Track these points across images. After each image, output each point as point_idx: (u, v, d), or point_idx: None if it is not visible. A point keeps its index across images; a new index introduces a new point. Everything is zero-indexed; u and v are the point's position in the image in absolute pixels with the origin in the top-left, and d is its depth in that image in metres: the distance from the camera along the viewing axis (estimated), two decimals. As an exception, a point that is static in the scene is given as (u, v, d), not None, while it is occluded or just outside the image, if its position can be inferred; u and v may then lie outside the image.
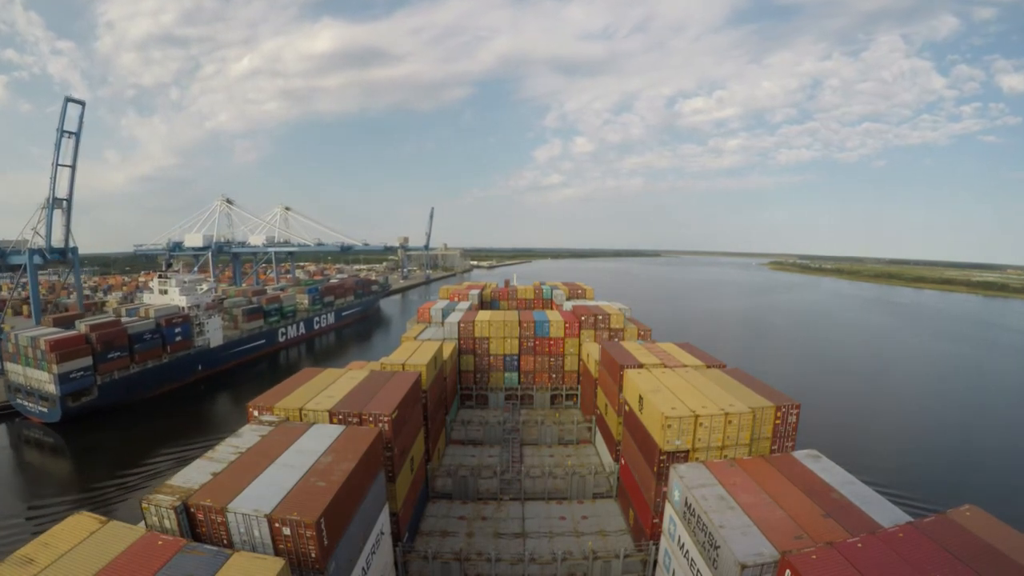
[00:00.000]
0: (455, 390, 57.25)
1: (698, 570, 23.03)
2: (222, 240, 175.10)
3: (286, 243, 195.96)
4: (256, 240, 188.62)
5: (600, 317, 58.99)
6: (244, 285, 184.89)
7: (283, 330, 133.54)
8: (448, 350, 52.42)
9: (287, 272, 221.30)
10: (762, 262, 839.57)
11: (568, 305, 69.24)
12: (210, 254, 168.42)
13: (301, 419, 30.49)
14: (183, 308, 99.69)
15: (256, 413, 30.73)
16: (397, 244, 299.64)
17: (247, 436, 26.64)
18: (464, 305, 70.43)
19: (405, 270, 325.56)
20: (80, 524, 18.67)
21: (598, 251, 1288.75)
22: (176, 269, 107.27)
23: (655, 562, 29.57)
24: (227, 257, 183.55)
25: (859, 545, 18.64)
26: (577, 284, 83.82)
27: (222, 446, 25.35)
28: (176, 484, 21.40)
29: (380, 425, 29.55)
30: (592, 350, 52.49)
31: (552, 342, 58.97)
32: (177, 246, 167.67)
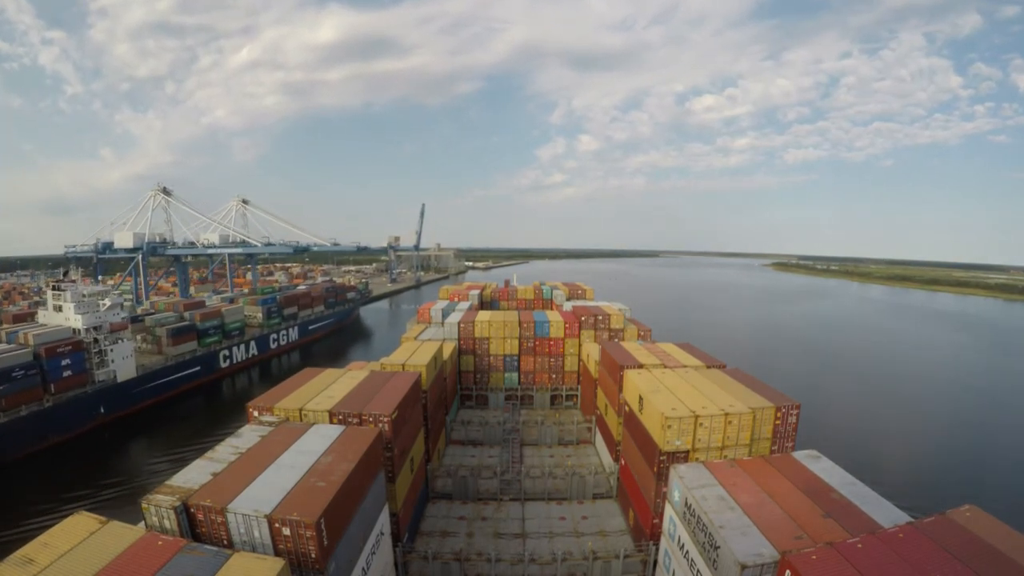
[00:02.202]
0: (455, 390, 57.25)
1: (698, 570, 23.02)
2: (156, 239, 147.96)
3: (238, 243, 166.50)
4: (210, 238, 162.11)
5: (600, 317, 58.99)
6: (213, 294, 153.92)
7: (226, 353, 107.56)
8: (448, 350, 52.42)
9: (266, 275, 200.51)
10: (764, 263, 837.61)
11: (568, 305, 69.27)
12: (140, 256, 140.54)
13: (301, 419, 30.50)
14: (78, 331, 76.43)
15: (256, 413, 30.76)
16: (385, 244, 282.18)
17: (247, 436, 26.66)
18: (464, 305, 70.46)
19: (394, 273, 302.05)
20: (80, 524, 18.68)
21: (596, 251, 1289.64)
22: (74, 279, 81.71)
23: (655, 562, 29.57)
24: (168, 259, 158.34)
25: (859, 545, 18.64)
26: (577, 284, 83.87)
27: (222, 446, 25.37)
28: (176, 484, 21.43)
29: (380, 425, 29.55)
30: (592, 350, 52.49)
31: (552, 342, 58.96)
32: (107, 247, 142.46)
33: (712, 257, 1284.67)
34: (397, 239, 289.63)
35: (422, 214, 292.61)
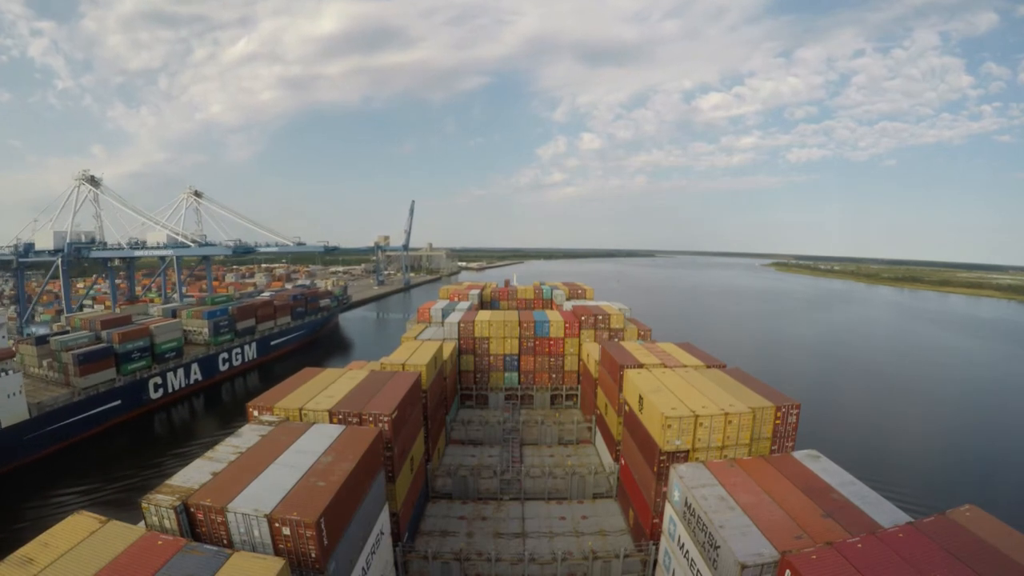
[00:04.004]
0: (455, 390, 57.25)
1: (698, 570, 23.02)
2: (81, 239, 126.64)
3: (171, 244, 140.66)
4: (157, 238, 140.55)
5: (600, 317, 58.98)
6: (164, 302, 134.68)
7: (158, 380, 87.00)
8: (448, 350, 52.42)
9: (248, 276, 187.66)
10: (764, 263, 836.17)
11: (568, 305, 69.27)
12: (60, 260, 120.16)
13: (301, 419, 30.49)
14: None
15: (256, 413, 30.77)
16: (372, 243, 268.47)
17: (247, 436, 26.65)
18: (464, 305, 70.47)
19: (381, 275, 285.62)
20: (80, 524, 18.68)
21: (592, 251, 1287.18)
22: None
23: (655, 562, 29.58)
24: (97, 263, 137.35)
25: (859, 545, 18.65)
26: (577, 284, 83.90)
27: (222, 446, 25.37)
28: (176, 484, 21.43)
29: (380, 425, 29.55)
30: (592, 350, 52.49)
31: (552, 342, 58.95)
32: (29, 248, 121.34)
33: (710, 257, 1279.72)
34: (386, 239, 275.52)
35: (411, 211, 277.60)
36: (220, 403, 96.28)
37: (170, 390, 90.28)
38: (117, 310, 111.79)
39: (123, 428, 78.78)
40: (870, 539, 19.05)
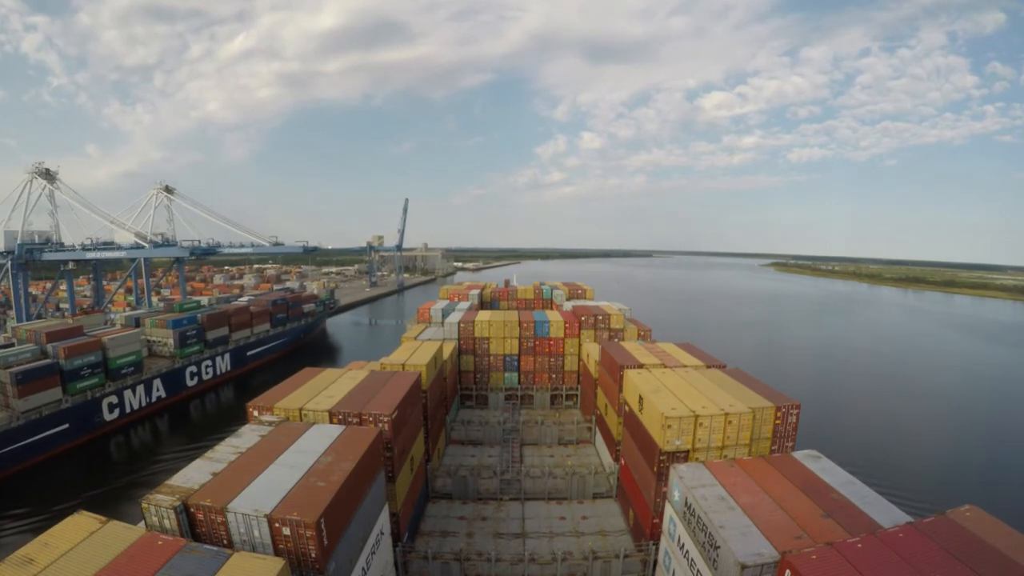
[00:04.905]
0: (455, 390, 57.26)
1: (698, 570, 23.02)
2: (34, 240, 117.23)
3: (126, 246, 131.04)
4: (125, 237, 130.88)
5: (600, 317, 59.00)
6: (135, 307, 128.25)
7: (113, 400, 76.25)
8: (448, 350, 52.43)
9: (238, 277, 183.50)
10: (764, 263, 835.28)
11: (568, 305, 69.32)
12: (9, 264, 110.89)
13: (301, 419, 30.50)
14: None
15: (256, 413, 30.79)
16: (365, 244, 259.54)
17: (247, 436, 26.66)
18: (464, 305, 70.52)
19: (374, 276, 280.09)
20: (80, 524, 18.69)
21: (589, 251, 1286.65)
22: None
23: (655, 562, 29.56)
24: (53, 266, 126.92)
25: (859, 545, 18.64)
26: (577, 284, 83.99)
27: (222, 446, 25.38)
28: (176, 484, 21.44)
29: (380, 425, 29.55)
30: (592, 350, 52.50)
31: (552, 342, 58.97)
32: None
33: (708, 257, 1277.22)
34: (380, 239, 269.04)
35: (405, 210, 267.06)
36: (188, 422, 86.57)
37: (128, 410, 79.31)
38: (69, 319, 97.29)
39: (72, 455, 69.37)
40: (870, 539, 19.05)
